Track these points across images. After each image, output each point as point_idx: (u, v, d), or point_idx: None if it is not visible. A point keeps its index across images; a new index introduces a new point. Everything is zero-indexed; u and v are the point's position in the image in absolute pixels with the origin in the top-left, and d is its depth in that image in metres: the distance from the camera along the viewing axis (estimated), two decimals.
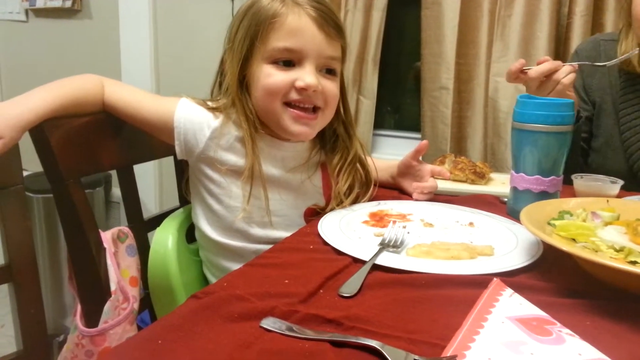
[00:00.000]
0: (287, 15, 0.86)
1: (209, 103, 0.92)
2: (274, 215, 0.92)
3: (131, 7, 2.23)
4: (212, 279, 0.98)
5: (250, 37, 0.88)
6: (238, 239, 0.93)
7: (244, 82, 0.91)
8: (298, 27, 0.86)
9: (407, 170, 1.06)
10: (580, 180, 1.02)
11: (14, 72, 2.57)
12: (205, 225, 0.94)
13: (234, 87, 0.89)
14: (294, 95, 0.87)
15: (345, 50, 0.95)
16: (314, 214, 0.96)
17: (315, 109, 0.91)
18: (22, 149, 0.79)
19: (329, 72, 0.91)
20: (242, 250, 0.92)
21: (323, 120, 0.93)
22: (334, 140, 0.99)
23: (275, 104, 0.88)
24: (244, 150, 0.89)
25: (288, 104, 0.88)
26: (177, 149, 0.90)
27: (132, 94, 0.91)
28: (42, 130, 0.80)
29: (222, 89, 0.94)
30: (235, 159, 0.90)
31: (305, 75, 0.86)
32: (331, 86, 0.91)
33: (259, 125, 0.91)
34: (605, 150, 1.27)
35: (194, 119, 0.89)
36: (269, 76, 0.87)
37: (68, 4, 2.33)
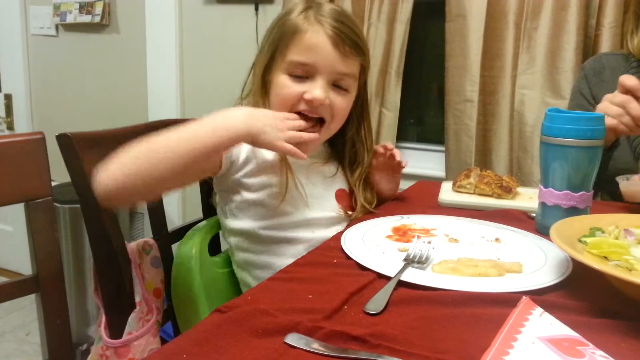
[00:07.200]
0: (306, 31, 0.93)
1: None
2: (310, 197, 0.99)
3: (157, 22, 2.28)
4: (253, 282, 0.99)
5: (274, 47, 0.96)
6: (283, 229, 0.96)
7: (266, 86, 0.98)
8: (315, 44, 0.92)
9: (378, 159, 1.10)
10: (626, 182, 1.00)
11: (44, 84, 2.64)
12: (250, 222, 0.96)
13: (258, 88, 0.98)
14: (302, 106, 0.94)
15: (366, 67, 1.00)
16: (346, 200, 1.05)
17: (321, 121, 0.96)
18: (50, 160, 0.81)
19: (340, 87, 0.96)
20: (289, 240, 0.97)
21: (327, 132, 0.99)
22: (354, 159, 1.07)
23: (284, 112, 0.92)
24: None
25: (297, 113, 0.93)
26: (225, 161, 0.92)
27: None
28: (71, 143, 0.81)
29: (246, 91, 1.01)
30: (273, 155, 0.96)
31: (315, 89, 0.92)
32: (340, 101, 0.96)
33: None
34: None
35: None
36: (283, 87, 0.94)
37: (97, 19, 2.39)
